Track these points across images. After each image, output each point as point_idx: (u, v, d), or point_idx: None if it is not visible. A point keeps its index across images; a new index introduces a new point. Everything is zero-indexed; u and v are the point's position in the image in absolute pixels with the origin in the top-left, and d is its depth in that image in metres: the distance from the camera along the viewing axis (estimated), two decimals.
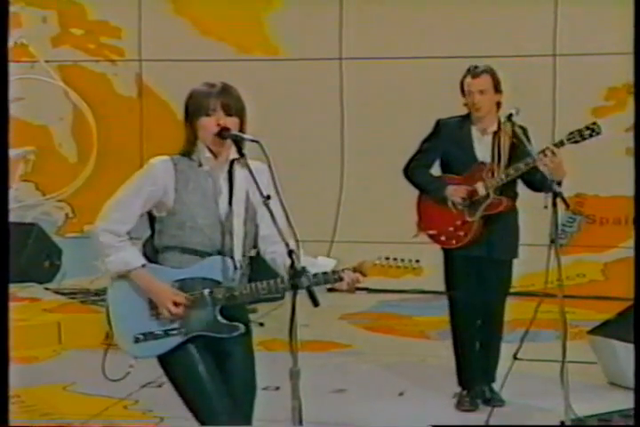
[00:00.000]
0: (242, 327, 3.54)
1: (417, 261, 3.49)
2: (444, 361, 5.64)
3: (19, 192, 9.13)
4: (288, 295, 3.33)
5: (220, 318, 3.50)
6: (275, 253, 3.56)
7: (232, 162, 3.55)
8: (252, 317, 6.84)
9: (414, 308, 7.72)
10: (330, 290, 3.49)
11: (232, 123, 3.47)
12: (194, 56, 8.98)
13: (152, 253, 3.56)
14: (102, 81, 9.41)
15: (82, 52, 9.43)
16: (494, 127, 5.20)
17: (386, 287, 7.51)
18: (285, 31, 9.01)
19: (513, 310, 6.13)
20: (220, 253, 3.51)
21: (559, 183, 4.93)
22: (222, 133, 3.45)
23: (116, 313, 3.54)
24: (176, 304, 3.46)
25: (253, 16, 9.07)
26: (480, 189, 5.15)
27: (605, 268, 8.42)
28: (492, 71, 5.19)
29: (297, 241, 3.30)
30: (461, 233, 5.18)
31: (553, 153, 4.90)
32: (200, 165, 3.53)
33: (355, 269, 3.46)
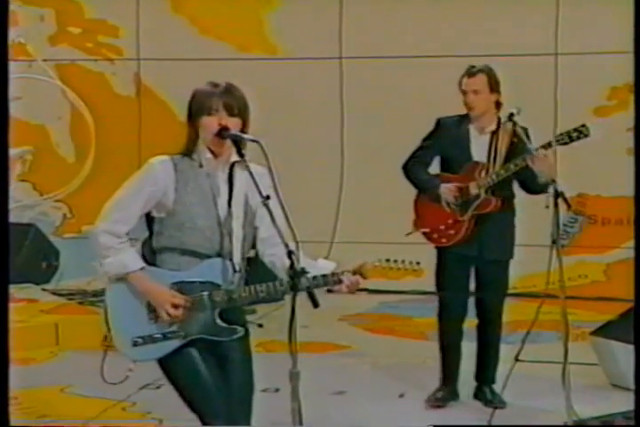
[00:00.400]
0: (241, 330, 3.55)
1: (417, 263, 3.50)
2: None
3: (16, 192, 9.12)
4: (287, 296, 3.33)
5: (218, 321, 3.50)
6: (274, 256, 3.56)
7: (232, 164, 3.55)
8: (251, 318, 6.87)
9: (414, 309, 7.71)
10: (329, 291, 3.50)
11: (234, 123, 3.47)
12: (192, 55, 8.98)
13: (150, 255, 3.55)
14: (100, 80, 9.41)
15: (80, 50, 9.43)
16: (493, 127, 5.23)
17: (386, 288, 7.51)
18: (285, 30, 9.01)
19: (514, 311, 6.13)
20: (218, 255, 3.51)
21: (546, 185, 5.00)
22: (222, 133, 3.45)
23: (115, 316, 3.54)
24: (175, 306, 3.46)
25: (253, 15, 9.08)
26: (472, 188, 5.20)
27: (607, 268, 8.42)
28: (490, 71, 5.22)
29: (296, 242, 3.30)
30: (452, 232, 5.24)
31: (541, 155, 4.94)
32: (200, 165, 3.53)
33: (354, 272, 3.47)
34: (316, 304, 3.30)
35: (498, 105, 5.25)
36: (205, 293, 3.48)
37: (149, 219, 3.56)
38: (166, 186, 3.48)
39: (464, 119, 5.27)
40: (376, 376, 6.00)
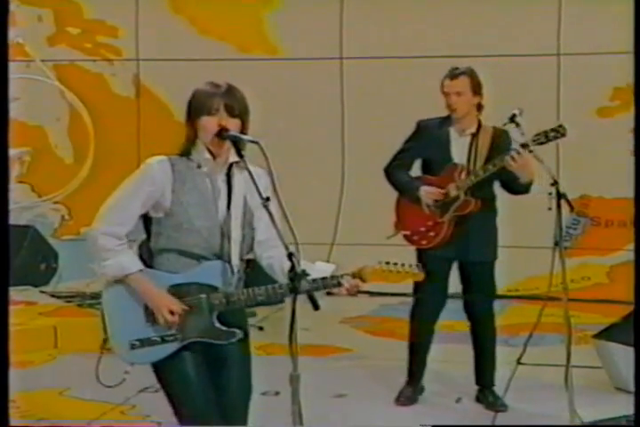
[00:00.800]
0: (239, 333, 3.55)
1: (417, 266, 3.51)
2: (446, 365, 5.65)
3: (14, 194, 9.12)
4: (288, 299, 3.33)
5: (217, 324, 3.50)
6: (272, 259, 3.56)
7: (231, 165, 3.55)
8: (251, 320, 6.86)
9: None
10: (329, 293, 3.50)
11: (234, 124, 3.48)
12: (192, 56, 8.98)
13: (148, 256, 3.55)
14: (99, 81, 9.41)
15: (78, 51, 9.43)
16: (473, 129, 5.31)
17: (387, 291, 7.51)
18: (285, 30, 9.01)
19: (516, 313, 6.16)
20: (216, 256, 3.51)
21: (528, 186, 5.05)
22: (221, 134, 3.45)
23: (112, 318, 3.54)
24: (172, 313, 3.46)
25: (253, 15, 9.08)
26: (451, 190, 5.26)
27: (611, 271, 8.42)
28: (472, 73, 5.29)
29: (296, 244, 3.31)
30: (432, 234, 5.31)
31: (518, 154, 4.99)
32: (199, 166, 3.53)
33: (354, 275, 3.47)
34: (316, 307, 3.30)
35: (479, 107, 5.32)
36: (203, 295, 3.48)
37: (147, 220, 3.56)
38: (164, 186, 3.47)
39: (445, 121, 5.34)
40: (377, 379, 6.00)
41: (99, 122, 9.32)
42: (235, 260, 3.54)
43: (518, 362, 5.85)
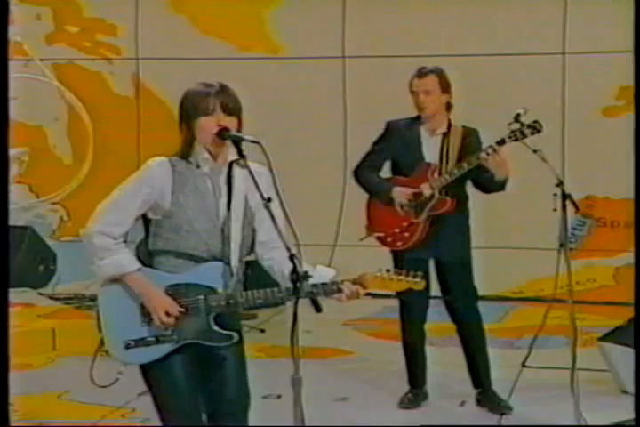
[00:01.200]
0: (236, 336, 3.54)
1: (417, 274, 3.51)
2: (450, 368, 5.65)
3: (12, 194, 9.12)
4: (289, 301, 3.33)
5: (214, 326, 3.50)
6: (272, 260, 3.56)
7: (230, 164, 3.55)
8: (252, 323, 6.88)
9: None
10: (328, 297, 3.49)
11: (231, 123, 3.48)
12: (193, 54, 8.98)
13: (146, 257, 3.55)
14: (98, 80, 9.41)
15: (77, 50, 9.43)
16: (444, 128, 5.35)
17: (389, 293, 7.50)
18: (287, 29, 9.01)
19: (521, 315, 6.15)
20: (216, 258, 3.50)
21: (504, 183, 5.07)
22: (222, 134, 3.45)
23: (107, 318, 3.55)
24: (168, 314, 3.46)
25: (254, 13, 9.08)
26: (425, 189, 5.28)
27: (617, 272, 8.41)
28: (440, 72, 5.34)
29: (298, 245, 3.30)
30: (407, 234, 5.33)
31: (495, 151, 5.04)
32: (198, 166, 3.53)
33: (355, 282, 3.47)
34: (318, 309, 3.30)
35: (448, 107, 5.35)
36: (201, 297, 3.48)
37: (146, 220, 3.56)
38: (163, 188, 3.47)
39: (415, 121, 5.39)
40: (380, 382, 5.99)
41: (98, 122, 9.33)
42: (234, 261, 3.53)
43: (523, 365, 5.85)
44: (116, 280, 3.50)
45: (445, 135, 5.33)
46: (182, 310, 3.47)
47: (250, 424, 3.64)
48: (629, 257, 8.23)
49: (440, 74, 5.31)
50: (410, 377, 5.53)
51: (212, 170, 3.53)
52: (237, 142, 3.45)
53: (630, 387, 5.49)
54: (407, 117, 5.43)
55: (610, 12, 8.30)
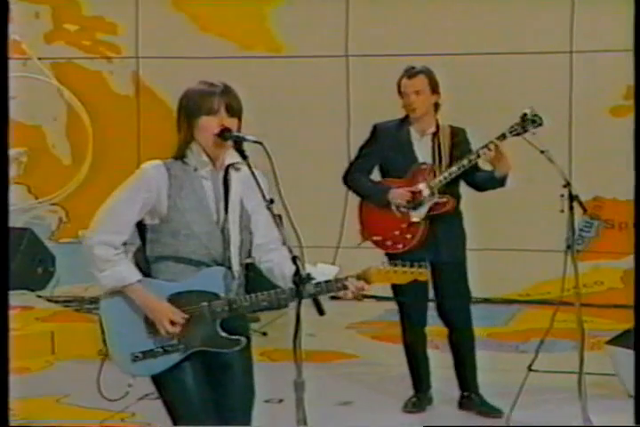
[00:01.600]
0: (244, 341, 3.54)
1: (421, 265, 3.51)
2: (453, 372, 5.64)
3: (10, 195, 9.12)
4: (292, 303, 3.33)
5: (221, 332, 3.50)
6: (271, 262, 3.56)
7: (227, 167, 3.54)
8: (254, 326, 6.88)
9: None
10: (334, 298, 3.50)
11: (232, 124, 3.48)
12: (193, 53, 8.98)
13: (144, 264, 3.54)
14: (98, 79, 9.41)
15: (76, 48, 9.44)
16: (433, 128, 5.39)
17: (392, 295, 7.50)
18: (289, 27, 9.01)
19: (527, 318, 6.15)
20: (216, 262, 3.50)
21: (504, 179, 5.08)
22: (224, 134, 3.45)
23: (112, 330, 3.53)
24: (173, 323, 3.46)
25: (256, 11, 9.08)
26: (424, 189, 5.31)
27: (625, 275, 8.39)
28: (429, 72, 5.37)
29: (301, 247, 3.30)
30: (408, 236, 5.35)
31: (496, 147, 5.08)
32: (195, 169, 3.51)
33: (359, 277, 3.47)
34: (321, 312, 3.30)
35: (436, 107, 5.39)
36: (205, 303, 3.47)
37: (141, 227, 3.54)
38: (159, 192, 3.46)
39: (403, 123, 5.42)
40: (384, 386, 6.00)
41: (97, 121, 9.33)
42: (235, 265, 3.53)
43: (529, 369, 5.84)
44: (117, 292, 3.49)
45: (435, 135, 5.37)
46: (187, 316, 3.46)
47: None
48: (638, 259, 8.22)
49: (429, 74, 5.34)
50: (414, 381, 5.54)
51: (209, 172, 3.52)
52: (239, 143, 3.45)
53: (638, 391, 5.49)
54: (394, 119, 5.45)
55: (618, 10, 8.30)
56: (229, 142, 3.46)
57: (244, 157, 3.44)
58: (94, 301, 7.64)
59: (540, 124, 5.08)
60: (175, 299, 3.48)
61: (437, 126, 5.38)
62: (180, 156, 3.52)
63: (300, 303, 3.23)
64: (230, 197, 3.53)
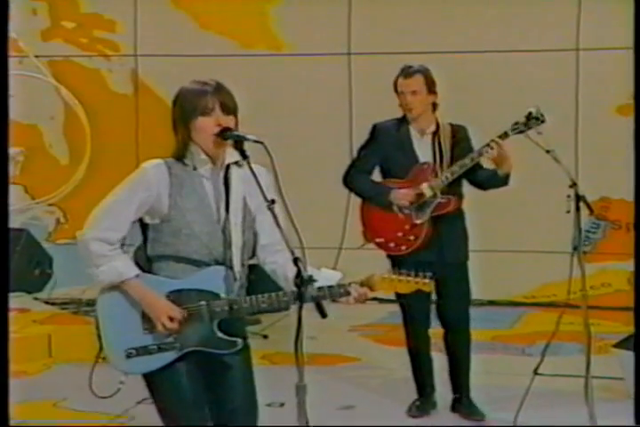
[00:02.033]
0: (240, 343, 3.54)
1: (427, 275, 3.52)
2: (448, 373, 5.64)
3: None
4: (294, 306, 3.33)
5: (218, 332, 3.50)
6: (275, 264, 3.56)
7: (228, 166, 3.54)
8: (255, 328, 6.89)
9: None
10: (336, 300, 3.50)
11: (230, 122, 3.49)
12: (193, 51, 8.99)
13: (144, 263, 3.55)
14: (96, 77, 9.42)
15: (74, 46, 9.45)
16: (433, 128, 5.40)
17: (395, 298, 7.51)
18: (291, 25, 9.02)
19: (533, 321, 6.14)
20: (217, 262, 3.50)
21: (506, 177, 5.09)
22: (224, 134, 3.45)
23: (107, 326, 3.54)
24: (171, 319, 3.46)
25: (257, 9, 9.08)
26: (426, 190, 5.32)
27: (632, 277, 8.40)
28: (426, 71, 5.39)
29: (302, 248, 3.31)
30: (411, 237, 5.36)
31: (498, 145, 5.10)
32: (195, 168, 3.52)
33: (362, 284, 3.47)
34: (323, 315, 3.31)
35: (434, 106, 5.41)
36: (203, 303, 3.48)
37: (143, 225, 3.55)
38: (160, 191, 3.47)
39: (402, 122, 5.43)
40: (387, 390, 6.00)
41: (95, 120, 9.33)
42: (236, 265, 3.53)
43: (535, 372, 5.84)
44: (114, 287, 3.49)
45: (435, 134, 5.39)
46: (185, 313, 3.46)
47: None
48: None
49: (426, 73, 5.36)
50: (417, 384, 5.55)
51: (209, 171, 3.53)
52: (239, 142, 3.45)
53: None
54: (393, 119, 5.47)
55: (625, 6, 8.30)
56: (229, 142, 3.47)
57: (244, 156, 3.44)
58: (92, 303, 7.61)
59: (543, 122, 5.10)
60: (174, 296, 3.49)
61: (437, 125, 5.39)
62: (179, 156, 3.52)
63: (301, 306, 3.23)
64: (231, 197, 3.54)
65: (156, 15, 9.23)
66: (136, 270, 3.50)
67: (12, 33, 9.14)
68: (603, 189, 8.30)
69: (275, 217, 3.32)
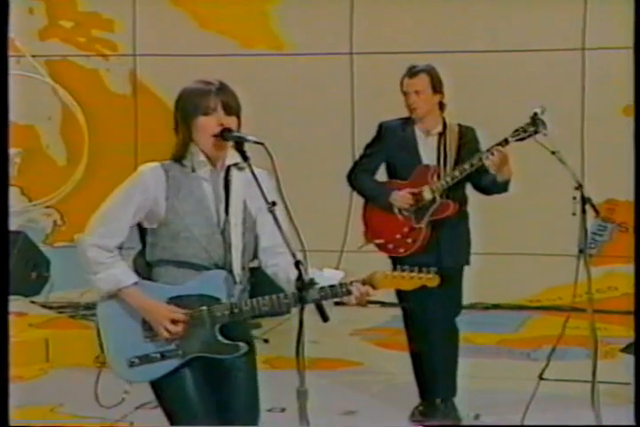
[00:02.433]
0: (244, 347, 3.54)
1: (431, 270, 3.51)
2: (461, 380, 5.64)
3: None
4: (295, 309, 3.33)
5: (220, 337, 3.49)
6: (277, 267, 3.56)
7: (228, 168, 3.54)
8: (256, 332, 6.86)
9: None
10: (338, 303, 3.49)
11: (232, 123, 3.48)
12: (192, 51, 9.00)
13: (144, 269, 3.54)
14: (94, 77, 9.43)
15: (71, 46, 9.45)
16: (439, 128, 5.38)
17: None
18: (291, 24, 9.03)
19: (538, 325, 6.13)
20: (217, 266, 3.50)
21: (506, 184, 5.08)
22: (224, 134, 3.44)
23: (108, 335, 3.53)
24: (174, 322, 3.46)
25: (257, 8, 9.09)
26: (426, 193, 5.31)
27: (633, 280, 8.40)
28: (432, 71, 5.37)
29: (304, 251, 3.30)
30: (409, 240, 5.35)
31: (499, 152, 5.07)
32: (193, 170, 3.51)
33: (364, 282, 3.46)
34: (325, 318, 3.30)
35: (442, 106, 5.39)
36: (204, 307, 3.47)
37: (142, 230, 3.55)
38: (157, 195, 3.46)
39: (408, 122, 5.42)
40: (389, 395, 6.00)
41: (93, 121, 9.34)
42: (237, 269, 3.53)
43: (540, 377, 5.85)
44: (114, 295, 3.49)
45: (441, 135, 5.37)
46: (188, 315, 3.45)
47: None
48: None
49: (431, 73, 5.34)
50: (420, 389, 5.54)
51: (208, 173, 3.52)
52: (240, 143, 3.45)
53: None
54: (399, 118, 5.46)
55: (631, 6, 8.30)
56: (230, 143, 3.46)
57: (245, 157, 3.44)
58: (90, 307, 7.65)
59: (545, 128, 5.08)
60: (174, 303, 3.48)
61: (444, 126, 5.38)
62: (179, 157, 3.52)
63: (302, 309, 3.23)
64: (231, 199, 3.53)
65: (156, 14, 9.23)
66: (134, 278, 3.49)
67: (10, 32, 9.16)
68: (609, 190, 8.30)
69: (276, 219, 3.32)
